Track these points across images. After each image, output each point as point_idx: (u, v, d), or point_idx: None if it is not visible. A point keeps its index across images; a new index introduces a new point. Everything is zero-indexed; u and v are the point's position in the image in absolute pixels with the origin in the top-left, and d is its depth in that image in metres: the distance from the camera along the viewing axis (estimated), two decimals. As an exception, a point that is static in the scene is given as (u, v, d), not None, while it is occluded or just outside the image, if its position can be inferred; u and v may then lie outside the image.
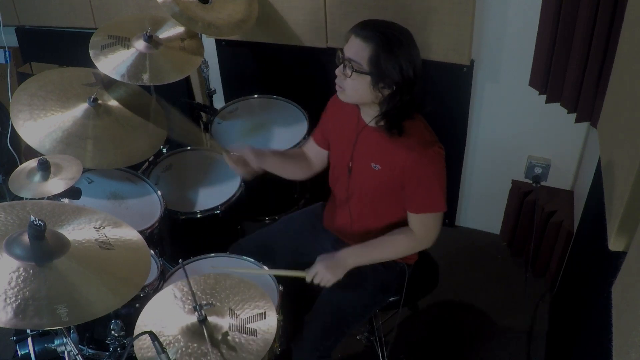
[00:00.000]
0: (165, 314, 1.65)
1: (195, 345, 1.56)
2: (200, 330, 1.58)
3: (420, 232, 1.87)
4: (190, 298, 1.62)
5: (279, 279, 1.96)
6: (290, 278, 1.92)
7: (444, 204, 1.83)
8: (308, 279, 1.87)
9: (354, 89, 1.75)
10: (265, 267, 1.99)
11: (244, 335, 1.60)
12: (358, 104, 1.83)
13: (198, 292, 1.71)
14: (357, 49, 1.71)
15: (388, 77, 1.69)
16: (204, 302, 1.65)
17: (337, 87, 1.80)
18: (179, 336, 1.59)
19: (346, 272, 1.92)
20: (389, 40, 1.67)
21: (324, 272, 1.84)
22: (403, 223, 1.91)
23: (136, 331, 1.60)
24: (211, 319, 1.61)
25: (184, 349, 1.55)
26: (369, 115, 1.83)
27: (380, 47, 1.67)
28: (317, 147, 2.12)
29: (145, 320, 1.63)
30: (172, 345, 1.56)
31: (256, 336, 1.59)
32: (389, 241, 1.89)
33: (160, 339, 1.41)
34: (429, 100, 1.81)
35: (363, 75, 1.71)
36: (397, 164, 1.80)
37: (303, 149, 2.19)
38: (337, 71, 1.77)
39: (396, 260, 2.02)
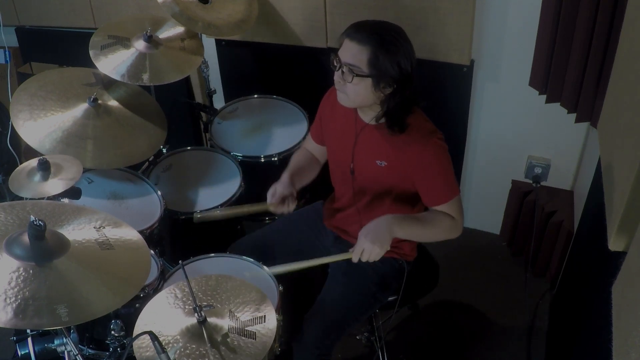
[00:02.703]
0: (166, 314, 1.65)
1: (194, 346, 1.56)
2: (200, 332, 1.58)
3: (454, 216, 1.87)
4: (190, 299, 1.62)
5: (279, 279, 1.95)
6: (337, 262, 1.87)
7: (457, 187, 1.86)
8: (355, 259, 1.78)
9: (356, 92, 1.75)
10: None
11: (243, 337, 1.60)
12: (361, 107, 1.84)
13: (199, 293, 1.71)
14: (354, 53, 1.71)
15: (388, 76, 1.70)
16: (205, 303, 1.65)
17: (338, 94, 1.80)
18: (178, 336, 1.59)
19: (345, 270, 1.91)
20: (384, 40, 1.69)
21: (371, 247, 1.74)
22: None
23: (136, 331, 1.60)
24: (211, 320, 1.61)
25: (182, 350, 1.55)
26: (369, 115, 1.84)
27: (378, 48, 1.68)
28: (317, 145, 2.14)
29: (145, 320, 1.63)
30: (171, 345, 1.56)
31: (255, 339, 1.59)
32: (432, 218, 1.85)
33: (160, 339, 1.41)
34: (424, 94, 1.82)
35: (364, 78, 1.72)
36: (402, 157, 1.81)
37: (307, 148, 2.19)
38: (336, 77, 1.77)
39: (394, 257, 2.02)
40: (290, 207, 1.98)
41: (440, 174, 1.82)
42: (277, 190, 1.97)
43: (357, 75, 1.71)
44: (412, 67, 1.73)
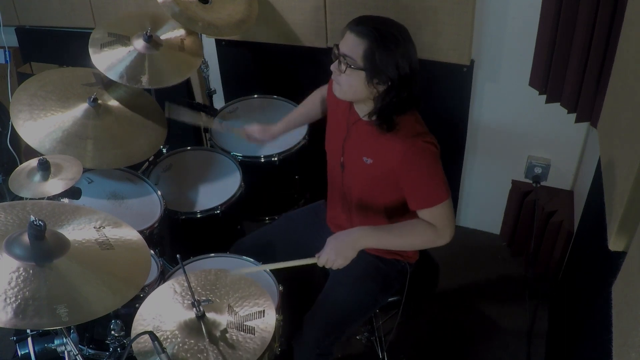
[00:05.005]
0: (164, 309, 1.65)
1: (193, 341, 1.56)
2: (199, 327, 1.58)
3: (437, 224, 1.78)
4: (189, 293, 1.62)
5: (280, 278, 1.96)
6: (301, 267, 1.84)
7: (445, 192, 1.77)
8: (320, 264, 1.79)
9: (349, 84, 1.74)
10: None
11: (242, 332, 1.60)
12: (353, 100, 1.83)
13: (198, 288, 1.71)
14: (351, 45, 1.70)
15: (383, 73, 1.69)
16: (203, 298, 1.65)
17: (333, 84, 1.81)
18: (177, 331, 1.59)
19: (348, 270, 1.91)
20: (383, 36, 1.67)
21: (334, 257, 1.76)
22: (402, 212, 1.89)
23: (135, 326, 1.60)
24: (210, 315, 1.61)
25: (181, 345, 1.55)
26: (363, 110, 1.83)
27: (375, 43, 1.67)
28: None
29: (144, 315, 1.63)
30: (169, 340, 1.56)
31: (254, 334, 1.59)
32: (409, 228, 1.80)
33: (158, 334, 1.41)
34: (424, 94, 1.80)
35: (357, 71, 1.71)
36: (387, 157, 1.79)
37: (321, 93, 2.21)
38: (333, 67, 1.77)
39: (397, 259, 2.02)
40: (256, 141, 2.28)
41: (424, 176, 1.77)
42: (256, 131, 2.24)
43: (351, 67, 1.71)
44: (412, 69, 1.71)
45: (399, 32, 1.70)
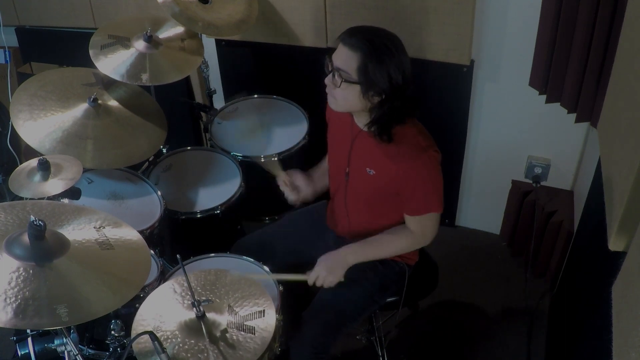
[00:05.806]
0: (164, 309, 1.65)
1: (193, 341, 1.56)
2: (199, 327, 1.58)
3: (417, 231, 1.89)
4: (189, 293, 1.62)
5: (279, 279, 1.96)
6: (292, 281, 1.93)
7: (439, 205, 1.84)
8: (310, 282, 1.88)
9: (344, 98, 1.74)
10: (266, 269, 1.99)
11: (242, 332, 1.60)
12: (349, 112, 1.83)
13: (198, 288, 1.71)
14: (345, 58, 1.70)
15: (377, 85, 1.68)
16: (203, 298, 1.65)
17: (328, 97, 1.80)
18: (177, 332, 1.59)
19: (346, 270, 1.92)
20: (376, 48, 1.66)
21: (324, 275, 1.86)
22: (399, 224, 1.93)
23: (134, 326, 1.60)
24: (210, 315, 1.61)
25: (181, 345, 1.55)
26: (361, 121, 1.83)
27: (368, 56, 1.66)
28: None
29: (144, 315, 1.63)
30: (169, 340, 1.56)
31: (254, 334, 1.59)
32: (388, 239, 1.92)
33: (158, 334, 1.41)
34: (425, 98, 1.80)
35: (352, 84, 1.70)
36: (390, 171, 1.80)
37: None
38: (327, 80, 1.76)
39: (396, 260, 2.02)
40: (295, 198, 2.10)
41: (422, 187, 1.80)
42: (297, 179, 2.11)
43: (346, 81, 1.70)
44: (405, 79, 1.70)
45: (392, 43, 1.69)
